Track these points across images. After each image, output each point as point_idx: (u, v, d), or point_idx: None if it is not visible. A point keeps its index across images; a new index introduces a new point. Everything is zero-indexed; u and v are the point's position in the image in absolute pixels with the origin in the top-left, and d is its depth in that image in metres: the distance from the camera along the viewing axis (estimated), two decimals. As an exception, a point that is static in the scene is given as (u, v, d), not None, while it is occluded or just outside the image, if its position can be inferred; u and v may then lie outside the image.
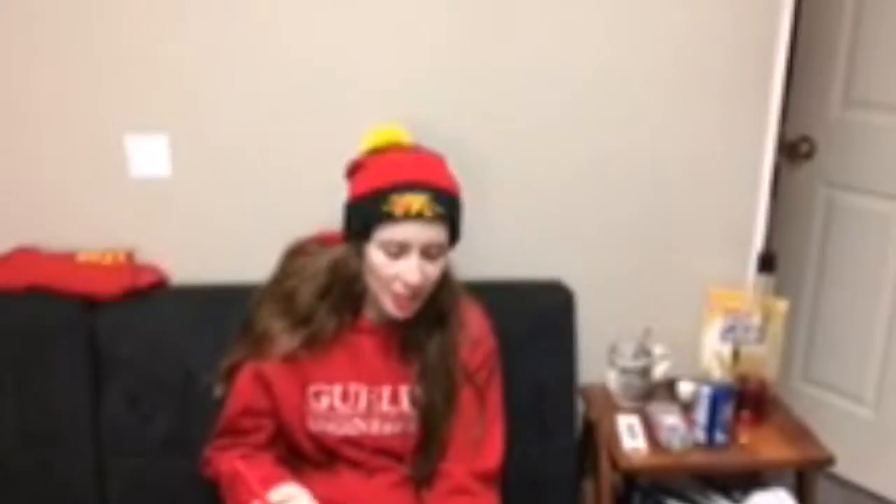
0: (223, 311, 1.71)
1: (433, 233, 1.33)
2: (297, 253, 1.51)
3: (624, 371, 1.90)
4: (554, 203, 1.96)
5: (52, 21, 1.70)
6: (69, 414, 1.68)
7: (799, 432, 1.87)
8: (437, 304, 1.43)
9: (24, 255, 1.79)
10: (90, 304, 1.70)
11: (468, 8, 1.80)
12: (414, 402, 1.45)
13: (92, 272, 1.75)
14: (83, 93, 1.75)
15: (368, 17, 1.78)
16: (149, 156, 1.80)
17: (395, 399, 1.45)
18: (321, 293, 1.41)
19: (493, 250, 1.90)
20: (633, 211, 1.99)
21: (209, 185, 1.84)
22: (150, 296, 1.75)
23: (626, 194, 1.98)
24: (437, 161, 1.41)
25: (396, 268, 1.33)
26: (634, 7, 1.85)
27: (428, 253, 1.34)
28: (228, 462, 1.42)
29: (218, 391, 1.49)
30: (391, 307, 1.37)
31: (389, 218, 1.31)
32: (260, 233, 1.86)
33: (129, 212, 1.83)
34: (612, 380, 1.92)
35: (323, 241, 1.51)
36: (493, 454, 1.48)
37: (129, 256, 1.81)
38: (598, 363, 1.93)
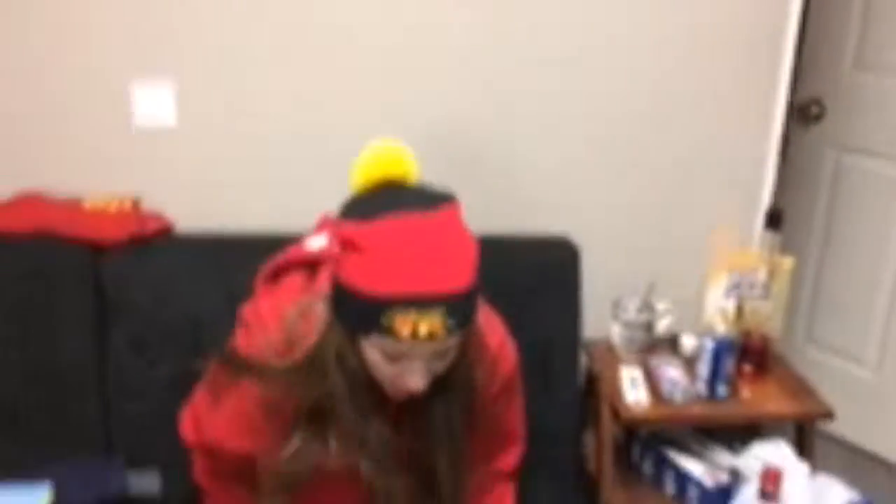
0: (228, 258, 1.72)
1: (445, 344, 1.05)
2: (274, 277, 1.25)
3: (627, 325, 1.91)
4: (561, 160, 1.95)
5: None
6: (75, 358, 1.70)
7: (799, 387, 1.88)
8: (450, 368, 1.13)
9: (29, 200, 1.79)
10: (96, 251, 1.71)
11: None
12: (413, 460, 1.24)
13: (98, 218, 1.76)
14: (88, 36, 1.74)
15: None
16: (154, 104, 1.79)
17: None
18: (355, 401, 1.13)
19: (500, 206, 1.90)
20: (642, 168, 1.98)
21: (216, 133, 1.83)
22: (155, 243, 1.76)
23: (634, 152, 1.97)
24: (452, 231, 1.04)
25: (397, 369, 1.07)
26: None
27: (437, 354, 1.07)
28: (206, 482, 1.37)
29: None
30: (391, 394, 1.14)
31: (390, 333, 1.01)
32: (266, 182, 1.87)
33: (136, 159, 1.83)
34: (616, 333, 1.93)
35: (302, 259, 1.24)
36: (511, 459, 1.40)
37: (136, 204, 1.81)
38: (602, 318, 1.94)
